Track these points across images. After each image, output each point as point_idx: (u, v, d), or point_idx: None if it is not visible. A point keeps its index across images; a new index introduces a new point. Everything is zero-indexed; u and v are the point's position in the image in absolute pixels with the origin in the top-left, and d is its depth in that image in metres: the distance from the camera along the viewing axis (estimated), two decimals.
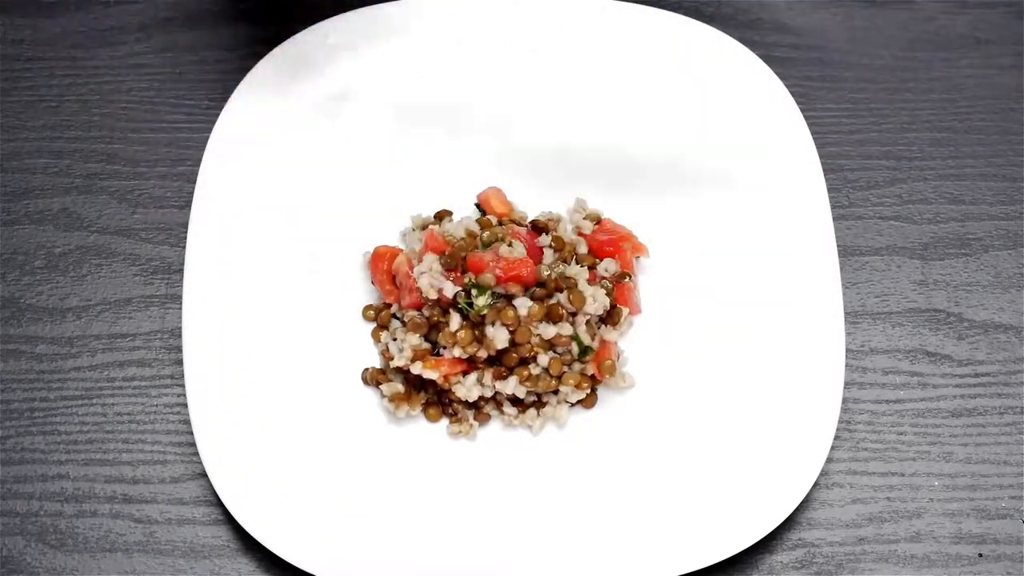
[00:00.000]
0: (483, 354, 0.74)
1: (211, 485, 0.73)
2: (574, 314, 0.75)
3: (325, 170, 0.81)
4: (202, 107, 0.84)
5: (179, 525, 0.74)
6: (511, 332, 0.74)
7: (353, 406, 0.76)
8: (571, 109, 0.83)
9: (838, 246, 0.78)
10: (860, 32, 0.89)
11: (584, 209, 0.81)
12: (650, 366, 0.77)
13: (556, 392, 0.76)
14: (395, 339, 0.76)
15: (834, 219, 0.79)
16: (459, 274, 0.75)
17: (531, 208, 0.81)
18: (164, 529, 0.74)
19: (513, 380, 0.75)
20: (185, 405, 0.75)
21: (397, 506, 0.73)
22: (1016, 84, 0.88)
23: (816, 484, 0.74)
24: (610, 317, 0.76)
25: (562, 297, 0.75)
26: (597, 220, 0.80)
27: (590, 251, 0.79)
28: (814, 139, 0.80)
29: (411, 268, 0.76)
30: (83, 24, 0.89)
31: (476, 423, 0.76)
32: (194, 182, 0.79)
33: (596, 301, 0.75)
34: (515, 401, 0.76)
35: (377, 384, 0.77)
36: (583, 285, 0.75)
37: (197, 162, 0.79)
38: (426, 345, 0.75)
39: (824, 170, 0.80)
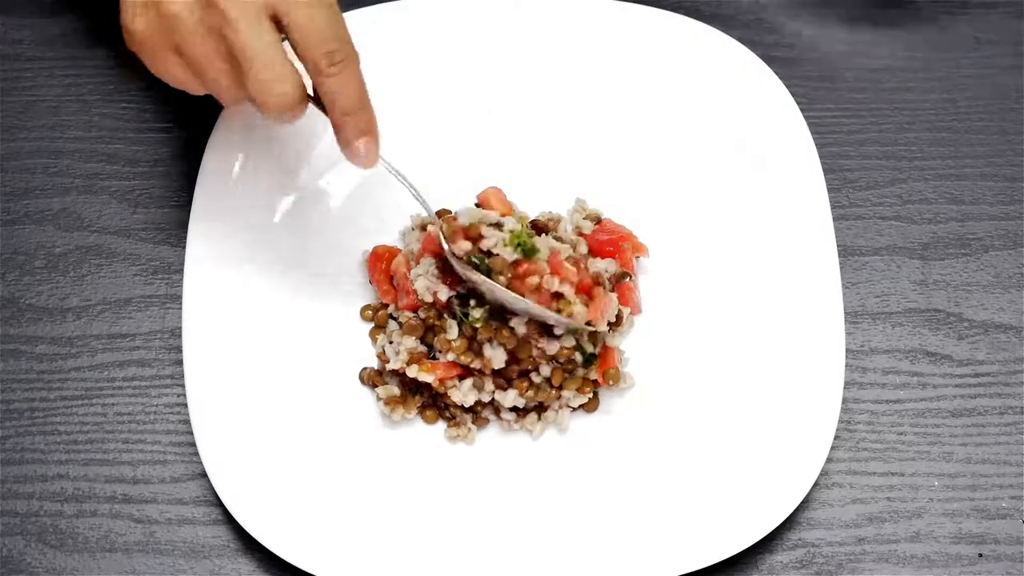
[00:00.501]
0: (477, 364, 0.74)
1: (211, 485, 0.73)
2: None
3: (325, 170, 0.81)
4: (202, 107, 0.84)
5: (179, 525, 0.74)
6: (509, 351, 0.73)
7: (354, 406, 0.76)
8: (571, 109, 0.83)
9: (838, 246, 0.78)
10: (860, 32, 0.89)
11: (584, 209, 0.81)
12: (650, 366, 0.77)
13: (558, 397, 0.76)
14: (391, 342, 0.76)
15: (834, 219, 0.79)
16: (455, 278, 0.74)
17: (531, 208, 0.81)
18: (164, 529, 0.74)
19: (512, 393, 0.75)
20: (185, 405, 0.74)
21: (397, 506, 0.73)
22: (1016, 84, 0.88)
23: (816, 484, 0.74)
24: (614, 321, 0.76)
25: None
26: (597, 220, 0.80)
27: (590, 251, 0.79)
28: (814, 139, 0.80)
29: (408, 269, 0.76)
30: (83, 24, 0.89)
31: (474, 427, 0.76)
32: (194, 182, 0.79)
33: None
34: (514, 407, 0.76)
35: (373, 386, 0.77)
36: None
37: (197, 162, 0.79)
38: (422, 348, 0.75)
39: (824, 170, 0.80)
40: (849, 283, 0.81)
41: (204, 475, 0.74)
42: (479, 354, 0.74)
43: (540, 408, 0.76)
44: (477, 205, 0.81)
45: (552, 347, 0.73)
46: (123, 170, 0.84)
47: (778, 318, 0.76)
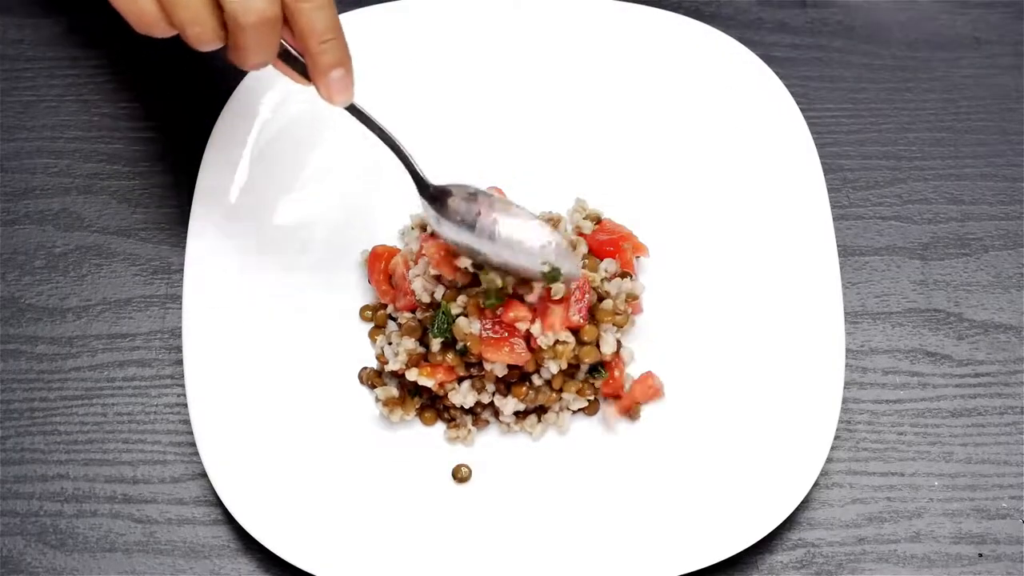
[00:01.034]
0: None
1: (211, 485, 0.73)
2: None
3: (325, 170, 0.81)
4: (202, 107, 0.84)
5: (179, 525, 0.74)
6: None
7: (354, 406, 0.76)
8: (571, 109, 0.83)
9: (838, 246, 0.78)
10: (860, 32, 0.89)
11: (584, 209, 0.81)
12: (650, 366, 0.77)
13: (558, 400, 0.76)
14: (390, 343, 0.76)
15: (834, 219, 0.79)
16: (452, 265, 0.74)
17: (531, 208, 0.81)
18: (164, 529, 0.74)
19: (513, 401, 0.74)
20: (185, 405, 0.75)
21: (397, 506, 0.73)
22: (1016, 84, 0.88)
23: (816, 484, 0.74)
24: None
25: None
26: (597, 220, 0.80)
27: (590, 251, 0.79)
28: (814, 139, 0.80)
29: (407, 269, 0.76)
30: (83, 24, 0.89)
31: (474, 428, 0.76)
32: (194, 182, 0.79)
33: (607, 345, 0.75)
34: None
35: (372, 386, 0.76)
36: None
37: (197, 162, 0.79)
38: (421, 349, 0.75)
39: (824, 170, 0.80)
40: (849, 283, 0.81)
41: (204, 475, 0.74)
42: (479, 365, 0.74)
43: (540, 410, 0.76)
44: None
45: (553, 367, 0.74)
46: (123, 170, 0.84)
47: (778, 318, 0.76)
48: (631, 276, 0.78)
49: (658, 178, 0.82)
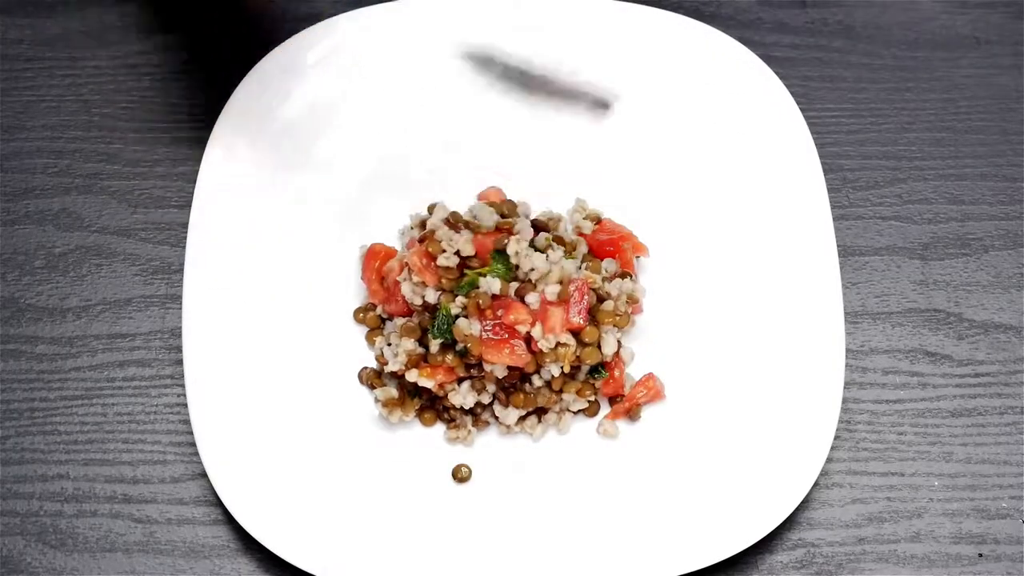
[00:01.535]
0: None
1: (211, 485, 0.73)
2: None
3: (326, 170, 0.81)
4: (202, 107, 0.84)
5: (179, 525, 0.74)
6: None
7: (354, 406, 0.76)
8: (571, 109, 0.83)
9: (838, 246, 0.78)
10: (860, 32, 0.89)
11: (584, 209, 0.81)
12: (649, 366, 0.77)
13: (559, 401, 0.76)
14: (390, 344, 0.76)
15: (834, 219, 0.79)
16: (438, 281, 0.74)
17: (531, 208, 0.81)
18: (164, 529, 0.74)
19: (514, 412, 0.74)
20: (185, 405, 0.74)
21: (397, 506, 0.73)
22: (1016, 84, 0.88)
23: (816, 484, 0.74)
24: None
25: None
26: (597, 220, 0.80)
27: (590, 251, 0.79)
28: (814, 139, 0.80)
29: (400, 272, 0.76)
30: (83, 24, 0.89)
31: (474, 429, 0.76)
32: (194, 182, 0.79)
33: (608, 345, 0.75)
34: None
35: (372, 387, 0.76)
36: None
37: (197, 162, 0.79)
38: (421, 350, 0.75)
39: (824, 170, 0.80)
40: (849, 283, 0.81)
41: (204, 475, 0.74)
42: (479, 367, 0.74)
43: (541, 411, 0.76)
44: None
45: (554, 368, 0.74)
46: (123, 170, 0.84)
47: (778, 318, 0.76)
48: (631, 276, 0.78)
49: (658, 178, 0.82)
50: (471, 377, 0.75)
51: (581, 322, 0.73)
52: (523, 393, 0.75)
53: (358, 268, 0.80)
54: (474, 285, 0.73)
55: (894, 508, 0.75)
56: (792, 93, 0.82)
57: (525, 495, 0.74)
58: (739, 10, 0.90)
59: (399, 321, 0.76)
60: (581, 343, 0.74)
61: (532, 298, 0.73)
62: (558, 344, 0.73)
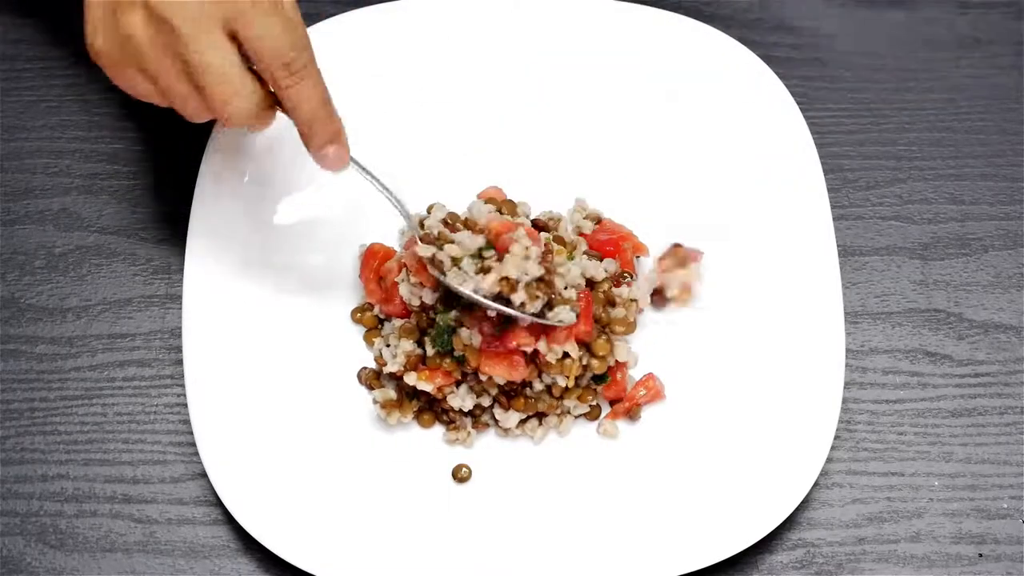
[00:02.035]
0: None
1: (211, 485, 0.73)
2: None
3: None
4: None
5: (179, 525, 0.74)
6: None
7: (354, 406, 0.76)
8: (571, 109, 0.83)
9: (838, 246, 0.78)
10: (860, 32, 0.89)
11: (584, 209, 0.81)
12: (649, 366, 0.77)
13: (559, 406, 0.76)
14: (388, 345, 0.76)
15: (834, 219, 0.79)
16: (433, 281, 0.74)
17: (531, 208, 0.81)
18: (164, 529, 0.74)
19: (515, 416, 0.74)
20: (185, 405, 0.74)
21: (397, 506, 0.73)
22: (1016, 84, 0.88)
23: (816, 484, 0.74)
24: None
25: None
26: (597, 220, 0.80)
27: (590, 250, 0.79)
28: (814, 139, 0.80)
29: (399, 273, 0.76)
30: (83, 24, 0.89)
31: (474, 431, 0.76)
32: (194, 182, 0.79)
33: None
34: None
35: (371, 387, 0.76)
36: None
37: (197, 162, 0.79)
38: (420, 351, 0.75)
39: (824, 170, 0.80)
40: (849, 283, 0.81)
41: (204, 475, 0.74)
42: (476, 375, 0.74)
43: (541, 414, 0.76)
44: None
45: (561, 380, 0.74)
46: (123, 170, 0.84)
47: (778, 318, 0.76)
48: (631, 276, 0.78)
49: (658, 178, 0.82)
50: (470, 380, 0.75)
51: (585, 329, 0.73)
52: (524, 398, 0.74)
53: (357, 267, 0.80)
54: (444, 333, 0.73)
55: (894, 508, 0.75)
56: (792, 93, 0.82)
57: (525, 495, 0.74)
58: (739, 10, 0.90)
59: (397, 322, 0.76)
60: (590, 353, 0.74)
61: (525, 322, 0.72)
62: (565, 355, 0.73)
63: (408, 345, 0.74)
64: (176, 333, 0.79)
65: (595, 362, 0.74)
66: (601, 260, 0.78)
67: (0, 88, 0.87)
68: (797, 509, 0.73)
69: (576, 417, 0.76)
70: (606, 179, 0.82)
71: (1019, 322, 0.80)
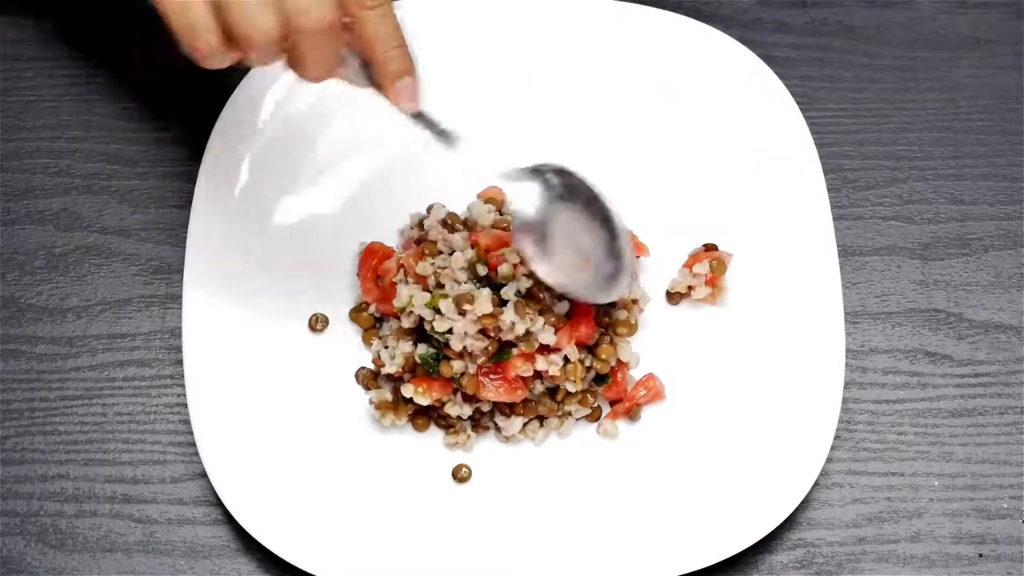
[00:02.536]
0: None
1: (211, 485, 0.73)
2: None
3: (326, 169, 0.81)
4: (202, 107, 0.84)
5: (179, 525, 0.74)
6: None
7: (354, 406, 0.76)
8: (571, 109, 0.83)
9: (838, 246, 0.78)
10: (860, 32, 0.89)
11: None
12: (649, 366, 0.77)
13: (560, 408, 0.76)
14: (386, 346, 0.76)
15: (834, 219, 0.79)
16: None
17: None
18: (164, 529, 0.74)
19: (517, 421, 0.74)
20: (185, 405, 0.74)
21: (398, 506, 0.73)
22: (1016, 84, 0.88)
23: (816, 484, 0.74)
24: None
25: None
26: None
27: None
28: (814, 139, 0.80)
29: (397, 273, 0.76)
30: (83, 24, 0.89)
31: (474, 435, 0.76)
32: (194, 182, 0.79)
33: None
34: None
35: (368, 388, 0.76)
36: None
37: (197, 162, 0.79)
38: None
39: (824, 170, 0.80)
40: (849, 283, 0.81)
41: (204, 475, 0.74)
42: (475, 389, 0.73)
43: (542, 416, 0.76)
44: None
45: (569, 386, 0.73)
46: (123, 170, 0.84)
47: (778, 318, 0.76)
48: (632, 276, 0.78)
49: (658, 178, 0.82)
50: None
51: (586, 331, 0.73)
52: (525, 402, 0.74)
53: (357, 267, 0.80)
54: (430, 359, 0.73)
55: (894, 508, 0.75)
56: (792, 93, 0.82)
57: (525, 495, 0.74)
58: (739, 10, 0.90)
59: (395, 322, 0.76)
60: (593, 356, 0.74)
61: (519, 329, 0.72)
62: (567, 360, 0.73)
63: (406, 347, 0.74)
64: (176, 333, 0.79)
65: (598, 364, 0.74)
66: None
67: (0, 88, 0.87)
68: (797, 509, 0.73)
69: (577, 419, 0.76)
70: (606, 179, 0.82)
71: (1019, 322, 0.80)
